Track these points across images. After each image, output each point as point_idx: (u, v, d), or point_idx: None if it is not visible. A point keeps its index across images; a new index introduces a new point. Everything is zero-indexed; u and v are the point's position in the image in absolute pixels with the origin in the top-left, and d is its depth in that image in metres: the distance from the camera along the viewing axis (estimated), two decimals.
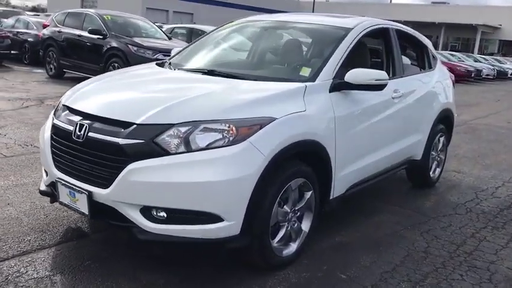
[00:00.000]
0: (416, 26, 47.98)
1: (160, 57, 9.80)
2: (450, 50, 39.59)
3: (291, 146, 2.99)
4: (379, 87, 3.55)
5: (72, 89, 3.56)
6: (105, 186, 2.79)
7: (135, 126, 2.78)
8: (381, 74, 3.51)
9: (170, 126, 2.75)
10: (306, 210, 3.34)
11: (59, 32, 12.40)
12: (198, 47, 4.41)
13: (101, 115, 2.94)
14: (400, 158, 4.56)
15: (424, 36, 5.26)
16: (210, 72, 3.65)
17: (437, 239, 3.94)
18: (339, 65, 3.58)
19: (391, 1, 68.24)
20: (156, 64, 4.11)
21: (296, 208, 3.23)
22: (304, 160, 3.23)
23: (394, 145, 4.34)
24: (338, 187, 3.60)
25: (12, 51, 15.03)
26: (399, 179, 5.49)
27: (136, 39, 11.00)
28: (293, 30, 4.38)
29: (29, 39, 15.33)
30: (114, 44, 10.87)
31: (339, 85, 3.49)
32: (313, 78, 3.44)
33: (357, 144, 3.72)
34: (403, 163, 4.69)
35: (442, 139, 5.37)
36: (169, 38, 12.50)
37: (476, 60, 30.54)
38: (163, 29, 14.28)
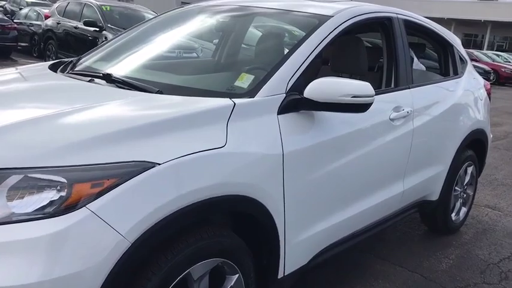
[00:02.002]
0: (460, 24, 45.18)
1: None
2: (496, 50, 37.09)
3: (188, 210, 1.76)
4: (361, 107, 2.26)
5: None
6: None
7: None
8: (362, 88, 2.22)
9: None
10: None
11: (58, 23, 11.51)
12: (124, 41, 3.18)
13: None
14: (406, 201, 3.24)
15: (449, 32, 3.87)
16: (106, 77, 2.43)
17: None
18: (300, 71, 2.30)
19: None
20: (52, 65, 2.91)
21: None
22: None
23: (394, 186, 3.02)
24: (293, 258, 2.34)
25: (20, 44, 14.30)
26: (410, 220, 4.14)
27: None
28: (251, 19, 3.07)
29: (38, 31, 14.48)
30: (109, 38, 9.85)
31: (295, 103, 2.22)
32: (253, 91, 2.19)
33: (325, 192, 2.43)
34: (410, 207, 3.37)
35: (470, 169, 3.98)
36: None
37: None
38: None
